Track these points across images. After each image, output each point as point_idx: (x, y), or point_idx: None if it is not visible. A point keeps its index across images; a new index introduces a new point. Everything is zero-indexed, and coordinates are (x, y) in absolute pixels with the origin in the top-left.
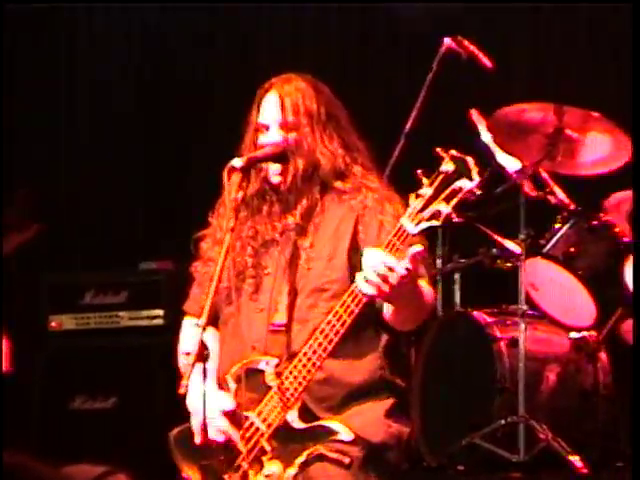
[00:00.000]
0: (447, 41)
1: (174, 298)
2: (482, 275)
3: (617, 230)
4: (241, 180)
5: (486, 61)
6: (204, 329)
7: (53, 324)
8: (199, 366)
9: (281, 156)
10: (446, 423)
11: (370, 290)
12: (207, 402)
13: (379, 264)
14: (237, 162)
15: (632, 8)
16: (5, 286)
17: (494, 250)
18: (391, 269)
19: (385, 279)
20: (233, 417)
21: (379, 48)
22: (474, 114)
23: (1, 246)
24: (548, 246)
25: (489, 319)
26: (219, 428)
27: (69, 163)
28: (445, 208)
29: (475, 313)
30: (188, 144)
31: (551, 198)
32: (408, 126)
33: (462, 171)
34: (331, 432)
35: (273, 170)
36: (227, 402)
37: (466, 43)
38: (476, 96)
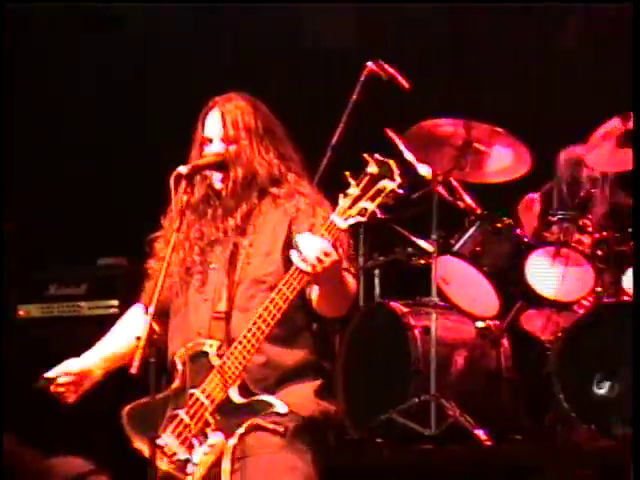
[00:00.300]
0: (370, 64)
1: (128, 290)
2: (399, 271)
3: (518, 232)
4: (186, 185)
5: (403, 82)
6: (152, 315)
7: (21, 312)
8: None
9: (222, 165)
10: (367, 401)
11: (307, 268)
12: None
13: (316, 247)
14: (182, 169)
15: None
16: None
17: (409, 249)
18: (325, 253)
19: (319, 260)
20: (180, 392)
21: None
22: (388, 132)
23: None
24: (457, 245)
25: (405, 309)
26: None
27: (36, 166)
28: (370, 205)
29: (393, 304)
30: (139, 151)
31: (460, 203)
32: (334, 139)
33: (385, 173)
34: (268, 404)
35: (216, 178)
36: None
37: (386, 66)
38: (396, 111)
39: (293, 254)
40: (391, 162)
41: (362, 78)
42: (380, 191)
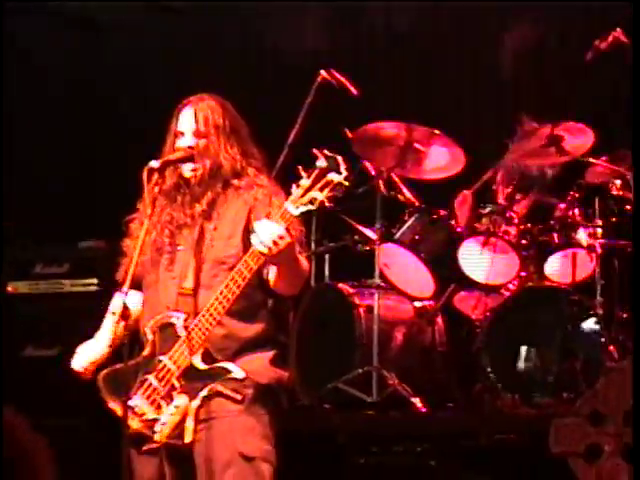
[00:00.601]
0: (322, 72)
1: (106, 270)
2: (346, 255)
3: (452, 222)
4: (158, 177)
5: (352, 89)
6: (126, 294)
7: (10, 289)
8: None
9: (189, 159)
10: (317, 371)
11: (264, 249)
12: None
13: (272, 231)
14: (154, 163)
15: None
16: None
17: (356, 237)
18: (280, 236)
19: (275, 243)
20: (150, 359)
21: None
22: (345, 130)
23: None
24: (398, 234)
25: (351, 290)
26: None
27: (23, 153)
28: (320, 195)
29: (340, 285)
30: (121, 143)
31: (401, 197)
32: (290, 139)
33: (333, 167)
34: (227, 371)
35: (186, 167)
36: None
37: (337, 75)
38: (345, 115)
39: (252, 237)
40: (339, 157)
41: (315, 84)
42: (328, 183)
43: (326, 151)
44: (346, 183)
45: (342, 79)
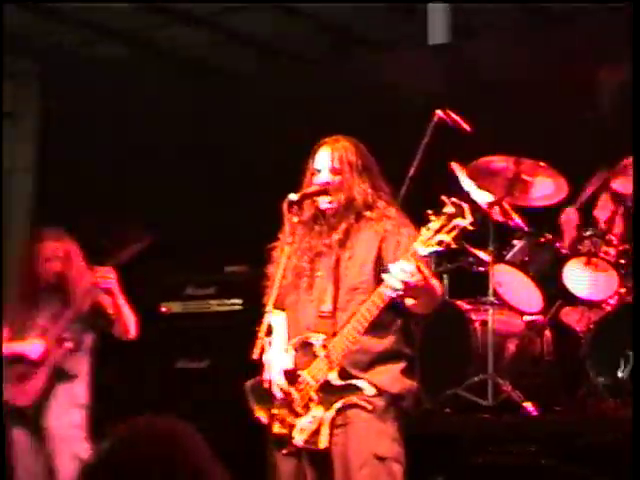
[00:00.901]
0: (438, 112)
1: (249, 292)
2: (463, 275)
3: (557, 245)
4: (296, 209)
5: (466, 127)
6: (270, 313)
7: (164, 309)
8: (267, 339)
9: (324, 192)
10: (438, 379)
11: (398, 285)
12: (274, 362)
13: (404, 269)
14: (293, 196)
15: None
16: (131, 284)
17: (471, 258)
18: (412, 274)
19: (406, 282)
20: (292, 373)
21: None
22: (454, 165)
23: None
24: (509, 255)
25: (467, 306)
26: (278, 384)
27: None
28: (447, 238)
29: (458, 302)
30: (263, 179)
31: (511, 222)
32: (411, 173)
33: (459, 213)
34: (359, 388)
35: (322, 200)
36: (288, 363)
37: (452, 114)
38: (460, 150)
39: (386, 276)
40: (464, 204)
41: (432, 124)
42: (455, 227)
43: (453, 199)
44: (471, 228)
45: (456, 118)
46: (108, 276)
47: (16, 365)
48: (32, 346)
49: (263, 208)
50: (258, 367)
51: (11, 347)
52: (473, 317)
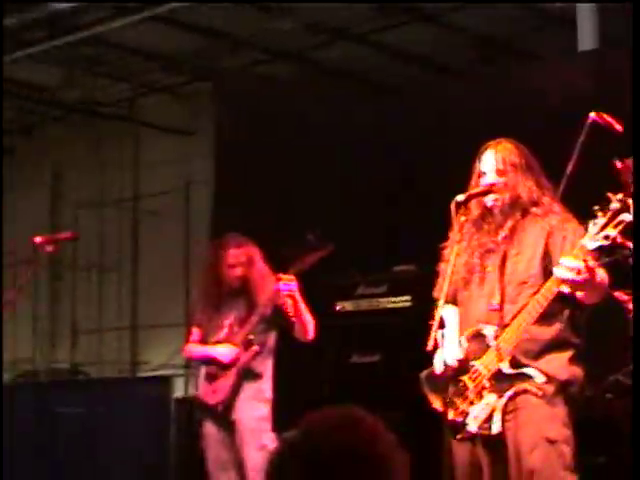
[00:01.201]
0: (592, 115)
1: (417, 289)
2: (619, 267)
3: None
4: (463, 209)
5: (619, 127)
6: (442, 307)
7: (338, 307)
8: (439, 332)
9: (489, 192)
10: (599, 366)
11: (567, 277)
12: (447, 353)
13: (572, 264)
14: (460, 197)
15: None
16: (308, 286)
17: (627, 251)
18: (579, 269)
19: (575, 275)
20: (465, 363)
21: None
22: (618, 163)
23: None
24: None
25: (625, 297)
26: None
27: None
28: (613, 233)
29: (616, 293)
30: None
31: None
32: (569, 170)
33: (625, 208)
34: (529, 376)
35: (488, 199)
36: (458, 353)
37: (605, 116)
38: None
39: (556, 269)
40: (629, 200)
41: (586, 126)
42: (621, 222)
43: (619, 195)
44: None
45: (609, 119)
46: (290, 283)
47: (208, 366)
48: (224, 351)
49: (429, 211)
50: (426, 359)
51: (205, 351)
52: (630, 307)
